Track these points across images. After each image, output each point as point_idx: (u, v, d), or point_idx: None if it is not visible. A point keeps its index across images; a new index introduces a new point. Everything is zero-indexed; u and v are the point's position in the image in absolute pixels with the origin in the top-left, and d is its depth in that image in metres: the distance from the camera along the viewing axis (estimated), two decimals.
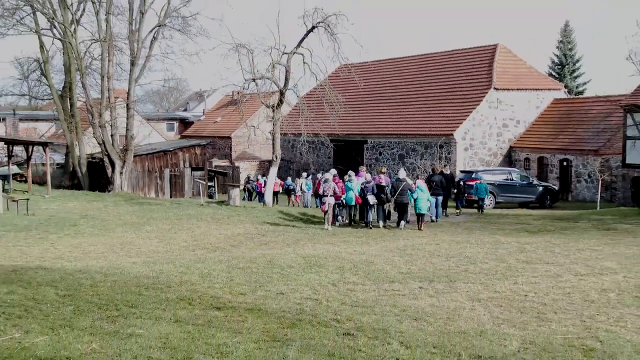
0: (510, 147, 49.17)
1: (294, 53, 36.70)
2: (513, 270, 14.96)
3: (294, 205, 41.31)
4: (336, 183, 27.63)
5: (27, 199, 31.54)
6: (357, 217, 28.82)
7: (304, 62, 36.77)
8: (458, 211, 31.40)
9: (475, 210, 32.01)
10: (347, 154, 55.14)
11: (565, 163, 45.37)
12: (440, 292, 12.63)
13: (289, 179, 46.97)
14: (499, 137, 49.10)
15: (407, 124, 52.28)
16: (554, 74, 74.88)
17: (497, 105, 48.89)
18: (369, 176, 29.07)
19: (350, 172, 28.98)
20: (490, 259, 16.63)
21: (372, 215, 27.41)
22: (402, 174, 26.81)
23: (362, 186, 27.23)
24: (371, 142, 54.37)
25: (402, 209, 26.41)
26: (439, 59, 56.75)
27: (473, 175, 35.54)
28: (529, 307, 11.36)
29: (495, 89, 48.66)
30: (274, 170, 38.43)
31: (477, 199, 32.39)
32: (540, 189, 39.20)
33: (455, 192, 31.52)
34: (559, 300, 11.86)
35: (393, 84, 58.04)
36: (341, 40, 36.14)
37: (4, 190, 32.61)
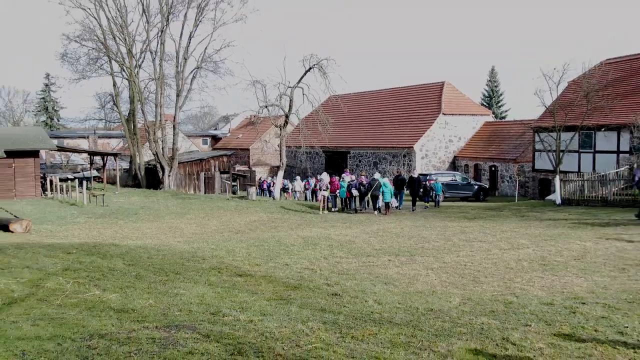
0: (455, 156, 49.21)
1: (295, 87, 36.79)
2: (456, 247, 14.96)
3: (286, 198, 41.07)
4: (332, 182, 29.66)
5: (103, 195, 31.66)
6: (342, 205, 29.91)
7: (303, 94, 36.92)
8: (427, 204, 31.25)
9: (433, 204, 31.83)
10: (335, 161, 55.11)
11: (493, 168, 45.47)
12: (404, 263, 12.62)
13: (286, 180, 46.94)
14: (447, 149, 49.14)
15: (380, 139, 52.27)
16: (484, 103, 75.24)
17: (444, 125, 48.96)
18: (353, 177, 31.67)
19: (343, 175, 31.03)
20: (440, 239, 16.62)
21: (355, 204, 29.08)
22: (376, 175, 28.18)
23: (349, 183, 28.95)
24: (353, 153, 54.33)
25: (375, 200, 27.20)
26: (402, 91, 56.81)
27: (428, 177, 35.51)
28: (467, 273, 11.36)
29: (443, 114, 48.77)
30: (280, 174, 38.49)
31: (433, 195, 32.21)
32: (476, 187, 39.25)
33: (422, 191, 31.14)
34: (488, 268, 11.87)
35: (369, 109, 58.01)
36: (331, 77, 36.27)
37: (87, 188, 32.77)
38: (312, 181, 40.95)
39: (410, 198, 30.40)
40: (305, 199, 40.70)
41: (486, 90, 79.71)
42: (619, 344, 6.60)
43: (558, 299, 8.91)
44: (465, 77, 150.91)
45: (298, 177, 44.34)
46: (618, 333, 7.02)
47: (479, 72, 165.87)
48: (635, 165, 24.18)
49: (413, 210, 28.82)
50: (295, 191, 42.17)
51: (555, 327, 7.31)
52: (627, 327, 7.25)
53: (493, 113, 60.79)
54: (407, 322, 7.59)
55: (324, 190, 29.01)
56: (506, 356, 6.16)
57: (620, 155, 32.59)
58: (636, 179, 21.57)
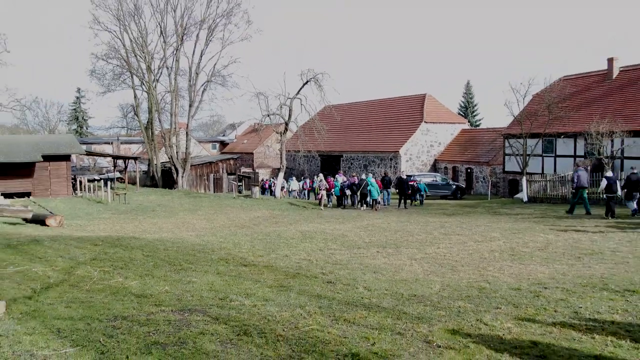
0: (435, 160, 49.27)
1: (294, 98, 36.86)
2: (437, 239, 15.00)
3: (283, 197, 41.01)
4: (328, 181, 31.10)
5: (125, 193, 31.82)
6: (336, 202, 30.97)
7: (301, 104, 37.04)
8: (416, 202, 31.18)
9: (418, 202, 31.67)
10: (330, 164, 55.10)
11: (469, 170, 45.56)
12: (390, 254, 12.66)
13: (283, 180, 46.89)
14: (428, 153, 49.20)
15: (369, 144, 52.32)
16: (461, 113, 75.10)
17: (426, 132, 49.03)
18: (345, 178, 32.69)
19: (337, 176, 32.17)
20: (422, 232, 16.66)
21: (347, 201, 30.13)
22: (363, 175, 29.35)
23: (342, 183, 30.17)
24: (345, 156, 54.37)
25: (364, 197, 28.05)
26: (389, 101, 56.85)
27: (412, 178, 35.53)
28: (446, 263, 11.41)
29: (425, 122, 48.85)
30: (281, 175, 38.50)
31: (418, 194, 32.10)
32: (454, 186, 39.32)
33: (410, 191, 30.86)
34: (464, 258, 11.92)
35: (360, 117, 58.05)
36: (325, 89, 36.55)
37: (111, 188, 32.96)
38: (309, 182, 41.02)
39: (396, 197, 30.51)
40: (301, 197, 40.72)
41: (462, 102, 79.80)
42: (575, 322, 6.68)
43: (524, 285, 8.97)
44: (445, 90, 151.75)
45: (294, 178, 44.32)
46: (574, 313, 7.11)
47: (456, 85, 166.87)
48: (576, 167, 24.47)
49: (399, 207, 28.45)
50: (291, 190, 42.15)
51: (521, 309, 7.37)
52: (581, 307, 7.36)
53: (469, 121, 60.88)
54: (393, 306, 7.63)
55: (323, 189, 29.80)
56: (479, 335, 6.21)
57: (577, 159, 32.86)
58: (575, 179, 21.83)
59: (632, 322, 6.64)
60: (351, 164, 53.28)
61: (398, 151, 47.45)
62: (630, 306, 7.37)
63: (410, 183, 31.22)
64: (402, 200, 29.03)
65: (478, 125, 73.99)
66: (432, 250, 13.16)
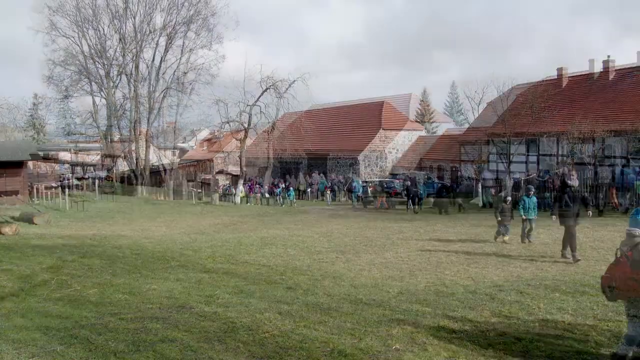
0: (393, 166, 49.65)
1: (254, 105, 36.89)
2: (395, 245, 15.09)
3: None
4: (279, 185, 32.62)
5: (83, 201, 31.10)
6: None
7: (260, 111, 37.11)
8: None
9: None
10: (290, 169, 54.97)
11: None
12: (350, 260, 12.70)
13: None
14: (386, 159, 49.55)
15: (329, 150, 52.38)
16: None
17: (384, 139, 49.43)
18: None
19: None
20: (381, 238, 16.74)
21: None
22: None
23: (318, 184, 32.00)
24: (304, 163, 54.32)
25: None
26: (348, 108, 57.12)
27: (371, 184, 35.72)
28: (404, 267, 11.51)
29: (383, 129, 49.26)
30: (241, 182, 38.39)
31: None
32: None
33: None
34: (422, 262, 12.04)
35: (320, 123, 57.95)
36: (285, 96, 36.90)
37: (69, 195, 32.35)
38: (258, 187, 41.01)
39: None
40: (247, 202, 39.93)
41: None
42: (528, 323, 6.87)
43: (480, 287, 9.15)
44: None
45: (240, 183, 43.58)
46: (528, 313, 7.31)
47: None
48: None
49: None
50: (235, 194, 41.68)
51: (477, 311, 7.52)
52: (534, 309, 7.55)
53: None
54: (352, 311, 7.67)
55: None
56: (437, 336, 6.31)
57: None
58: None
59: (581, 322, 6.85)
60: (311, 169, 53.29)
61: (357, 158, 47.72)
62: (580, 307, 7.60)
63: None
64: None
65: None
66: (390, 255, 13.27)
